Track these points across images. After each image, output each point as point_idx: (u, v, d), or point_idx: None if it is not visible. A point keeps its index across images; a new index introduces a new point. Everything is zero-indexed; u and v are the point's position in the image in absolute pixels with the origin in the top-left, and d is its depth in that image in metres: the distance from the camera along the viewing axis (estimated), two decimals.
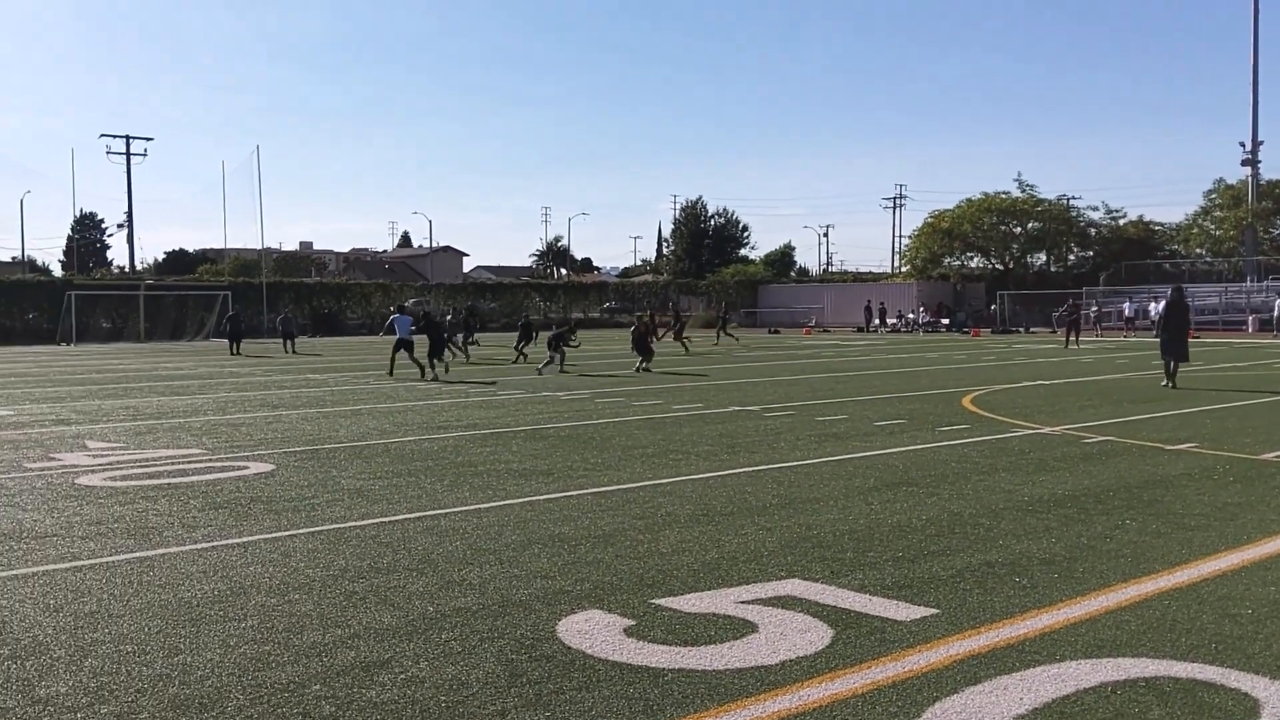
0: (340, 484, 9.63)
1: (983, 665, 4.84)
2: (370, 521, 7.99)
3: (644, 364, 25.69)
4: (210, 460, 11.20)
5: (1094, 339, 43.93)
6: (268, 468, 10.60)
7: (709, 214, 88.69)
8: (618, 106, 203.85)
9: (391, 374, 24.44)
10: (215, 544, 7.27)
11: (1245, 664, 4.81)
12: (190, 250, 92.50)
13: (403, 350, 24.36)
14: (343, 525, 7.85)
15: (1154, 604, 5.77)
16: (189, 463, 11.04)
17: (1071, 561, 6.72)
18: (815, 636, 5.25)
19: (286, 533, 7.60)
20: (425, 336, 24.53)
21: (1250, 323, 48.41)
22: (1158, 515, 8.08)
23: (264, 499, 8.91)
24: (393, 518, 8.12)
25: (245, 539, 7.41)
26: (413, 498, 8.94)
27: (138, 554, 6.99)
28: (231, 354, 35.42)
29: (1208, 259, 62.37)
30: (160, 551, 7.06)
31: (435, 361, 23.96)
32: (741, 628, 5.40)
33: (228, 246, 74.01)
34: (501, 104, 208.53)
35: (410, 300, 66.72)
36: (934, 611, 5.65)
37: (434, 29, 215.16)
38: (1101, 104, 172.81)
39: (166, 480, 9.92)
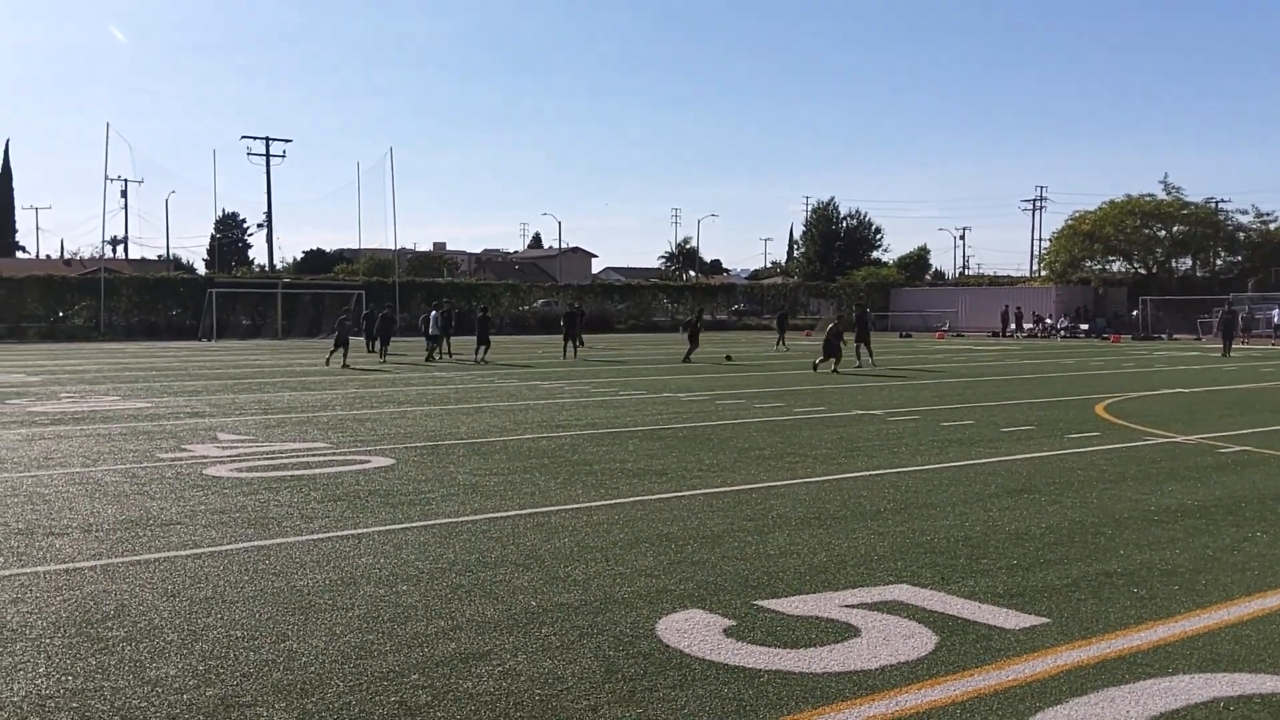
0: (456, 479, 9.84)
1: (1090, 676, 4.70)
2: (482, 517, 8.14)
3: (833, 365, 25.54)
4: (334, 454, 11.59)
5: (1240, 346, 41.68)
6: (388, 462, 10.92)
7: (841, 215, 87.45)
8: (750, 107, 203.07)
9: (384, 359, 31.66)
10: (331, 535, 7.51)
11: None
12: (327, 250, 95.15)
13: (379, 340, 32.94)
14: (455, 520, 8.03)
15: (1277, 619, 5.54)
16: (313, 456, 11.44)
17: (1194, 573, 6.50)
18: (918, 642, 5.15)
19: (400, 526, 7.81)
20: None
21: None
22: None
23: (382, 492, 9.17)
24: (504, 513, 8.27)
25: (360, 531, 7.65)
26: (525, 494, 9.07)
27: (256, 543, 7.27)
28: (368, 351, 34.54)
29: None
30: (278, 541, 7.32)
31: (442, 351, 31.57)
32: (843, 631, 5.32)
33: (363, 247, 76.57)
34: (633, 105, 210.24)
35: (539, 301, 68.01)
36: (1044, 621, 5.52)
37: (566, 31, 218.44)
38: (1253, 104, 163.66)
39: (290, 472, 10.30)
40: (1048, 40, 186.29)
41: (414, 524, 7.86)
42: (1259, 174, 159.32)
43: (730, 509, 8.47)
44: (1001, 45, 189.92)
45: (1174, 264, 65.18)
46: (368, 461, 10.97)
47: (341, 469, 10.49)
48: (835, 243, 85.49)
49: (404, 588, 6.10)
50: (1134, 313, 57.35)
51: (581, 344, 34.33)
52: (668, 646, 5.09)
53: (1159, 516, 8.19)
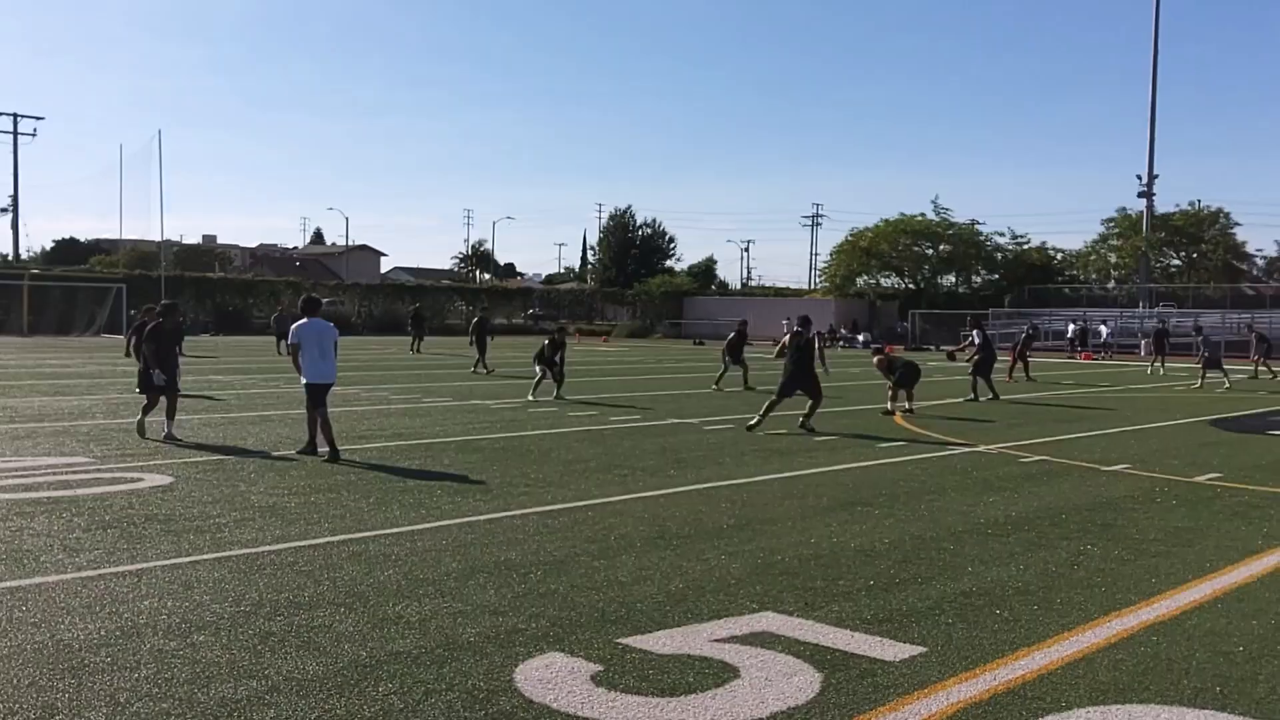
0: (250, 500, 8.73)
1: (987, 715, 4.42)
2: (287, 546, 7.15)
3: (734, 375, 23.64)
4: (98, 470, 10.18)
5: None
6: (165, 480, 9.64)
7: (637, 224, 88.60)
8: (546, 111, 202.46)
9: None
10: (103, 572, 6.39)
11: (1256, 710, 4.57)
12: (82, 240, 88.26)
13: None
14: (254, 550, 7.00)
15: (1144, 640, 5.50)
16: (73, 473, 9.99)
17: (1047, 591, 6.45)
18: (803, 681, 4.74)
19: (188, 559, 6.73)
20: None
21: (1143, 346, 49.72)
22: (1116, 540, 7.93)
23: (161, 517, 7.98)
24: (313, 541, 7.29)
25: (139, 566, 6.53)
26: (335, 517, 8.10)
27: (8, 584, 6.07)
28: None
29: (1104, 285, 64.84)
30: (36, 581, 6.14)
31: None
32: (721, 672, 4.83)
33: (124, 237, 71.02)
34: (425, 101, 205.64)
35: (326, 300, 64.91)
36: (921, 650, 5.25)
37: (365, 16, 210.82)
38: (1011, 135, 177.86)
39: (46, 493, 8.89)
40: (825, 67, 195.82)
41: (204, 556, 6.80)
42: (1014, 199, 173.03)
43: (568, 529, 7.83)
44: (785, 69, 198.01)
45: (940, 280, 69.34)
46: (140, 479, 9.64)
47: (109, 489, 9.15)
48: (631, 250, 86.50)
49: (201, 638, 5.12)
50: (902, 325, 60.51)
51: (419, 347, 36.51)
52: (531, 702, 4.42)
53: (991, 530, 8.18)
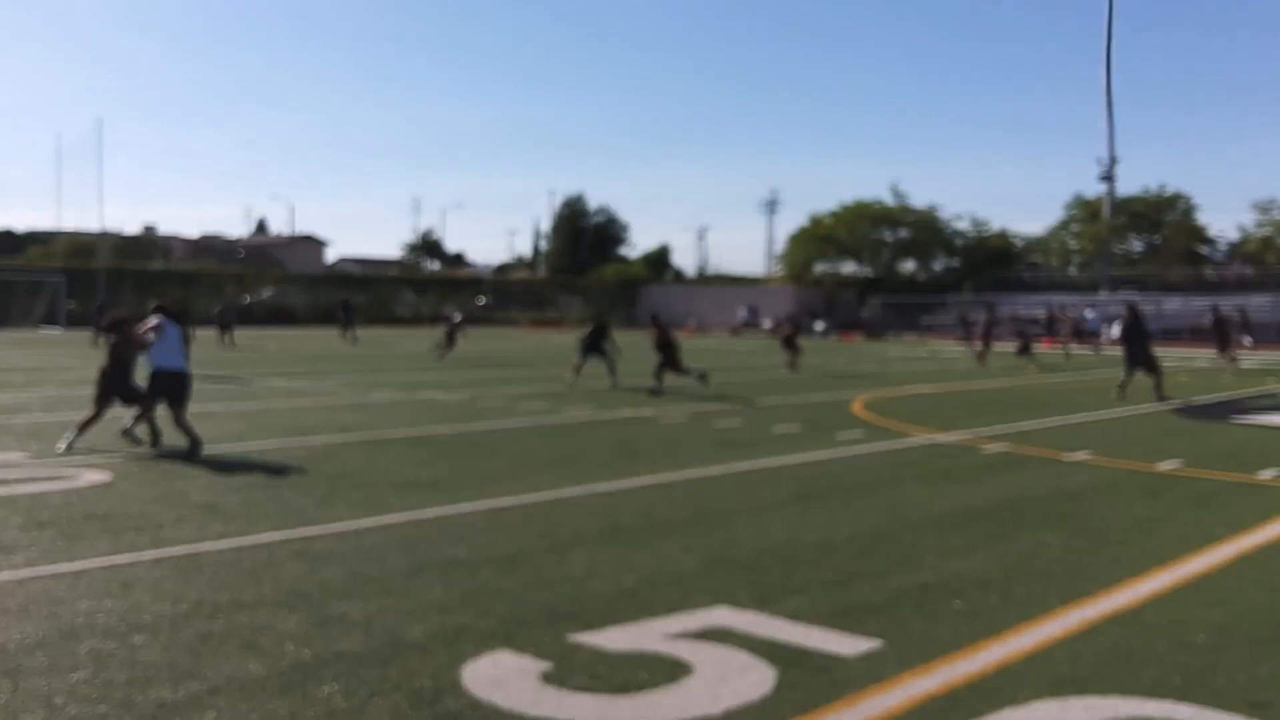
0: (190, 498, 8.49)
1: (944, 709, 4.36)
2: (227, 544, 6.95)
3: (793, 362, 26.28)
4: (34, 467, 9.87)
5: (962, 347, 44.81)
6: (103, 477, 9.36)
7: (590, 211, 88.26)
8: (495, 98, 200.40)
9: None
10: (39, 572, 6.17)
11: (1215, 700, 4.53)
12: (18, 231, 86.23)
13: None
14: (195, 548, 6.80)
15: (1103, 631, 5.46)
16: (8, 470, 9.68)
17: (1006, 582, 6.38)
18: (758, 677, 4.65)
19: (127, 558, 6.52)
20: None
21: (1105, 332, 50.04)
22: (1076, 530, 7.88)
23: (99, 515, 7.73)
24: (255, 539, 7.09)
25: (76, 565, 6.32)
26: (277, 514, 7.89)
27: None
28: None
29: (1066, 270, 65.10)
30: None
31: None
32: (674, 669, 4.73)
33: (62, 228, 69.53)
34: (371, 89, 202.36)
35: (267, 291, 63.80)
36: (878, 644, 5.17)
37: (303, 4, 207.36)
38: (970, 120, 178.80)
39: None
40: (780, 54, 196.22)
41: (144, 555, 6.59)
42: (975, 184, 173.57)
43: (519, 525, 7.69)
44: (738, 54, 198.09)
45: (899, 266, 69.33)
46: (77, 477, 9.35)
47: (46, 486, 8.87)
48: (584, 238, 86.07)
49: (140, 639, 4.95)
50: (864, 313, 60.72)
51: (354, 336, 37.61)
52: (479, 702, 4.30)
53: (951, 520, 8.13)
